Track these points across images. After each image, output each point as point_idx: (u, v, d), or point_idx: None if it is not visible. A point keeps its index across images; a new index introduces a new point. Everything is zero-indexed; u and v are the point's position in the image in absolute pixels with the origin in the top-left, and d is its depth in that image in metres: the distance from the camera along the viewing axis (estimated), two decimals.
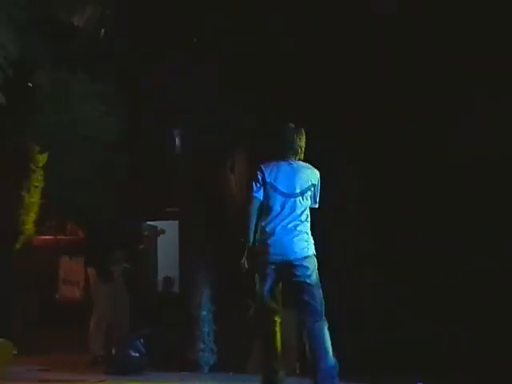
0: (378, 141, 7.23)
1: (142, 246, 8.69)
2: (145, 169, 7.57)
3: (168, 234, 9.28)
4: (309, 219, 5.74)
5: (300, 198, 5.75)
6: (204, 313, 7.52)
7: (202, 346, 7.46)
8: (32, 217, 6.24)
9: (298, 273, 5.61)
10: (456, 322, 6.83)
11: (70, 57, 5.57)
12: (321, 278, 5.62)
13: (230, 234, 8.48)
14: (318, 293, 5.55)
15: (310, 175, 5.81)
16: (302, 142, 5.86)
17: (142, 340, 7.63)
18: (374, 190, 7.25)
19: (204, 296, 7.56)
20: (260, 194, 5.69)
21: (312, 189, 5.78)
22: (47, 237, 9.01)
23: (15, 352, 5.91)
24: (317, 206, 5.82)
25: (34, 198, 6.17)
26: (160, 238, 9.42)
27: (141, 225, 8.99)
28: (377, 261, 7.32)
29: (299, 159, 5.86)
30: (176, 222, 8.87)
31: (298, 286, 5.58)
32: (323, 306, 5.53)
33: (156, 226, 9.42)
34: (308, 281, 5.57)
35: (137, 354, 7.52)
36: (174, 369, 7.49)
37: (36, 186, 6.14)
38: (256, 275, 5.68)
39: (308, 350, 5.57)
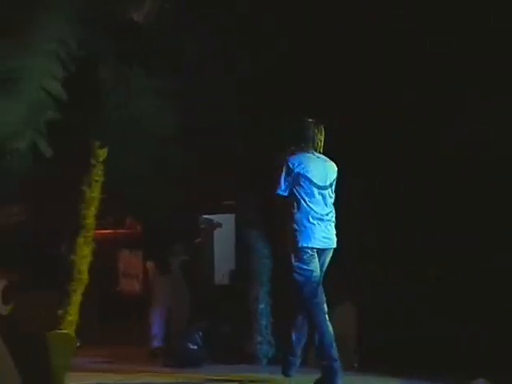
0: (381, 137, 7.24)
1: (198, 240, 8.74)
2: (201, 162, 7.61)
3: (224, 228, 9.31)
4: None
5: (330, 189, 6.14)
6: (262, 306, 7.54)
7: (259, 338, 7.49)
8: (93, 211, 6.31)
9: (327, 260, 6.16)
10: (460, 319, 6.82)
11: (129, 52, 5.61)
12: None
13: (281, 227, 8.50)
14: None
15: (334, 168, 6.20)
16: (322, 137, 6.17)
17: (200, 333, 7.69)
18: (379, 187, 7.31)
19: (261, 289, 7.57)
20: (290, 190, 6.06)
21: (335, 181, 6.16)
22: (107, 231, 9.13)
23: (78, 344, 5.99)
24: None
25: (94, 193, 6.23)
26: (216, 231, 9.46)
27: (197, 218, 9.03)
28: (380, 257, 7.39)
29: (319, 152, 6.17)
30: (232, 216, 8.91)
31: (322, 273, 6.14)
32: None
33: (212, 220, 9.46)
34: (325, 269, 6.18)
35: (195, 347, 7.59)
36: (232, 361, 7.53)
37: (96, 181, 6.21)
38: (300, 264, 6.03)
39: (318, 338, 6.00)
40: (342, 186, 6.29)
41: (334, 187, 6.20)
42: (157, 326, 8.14)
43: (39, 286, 8.03)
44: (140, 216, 8.12)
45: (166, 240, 8.13)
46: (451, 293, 7.06)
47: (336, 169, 6.23)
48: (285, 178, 6.09)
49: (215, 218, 9.54)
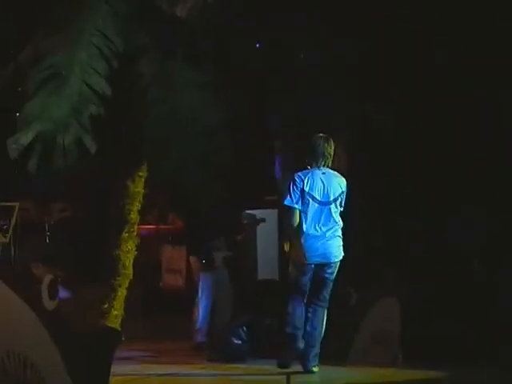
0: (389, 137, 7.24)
1: (242, 235, 8.74)
2: (244, 157, 7.60)
3: (267, 223, 9.28)
4: (340, 223, 6.59)
5: (333, 204, 6.56)
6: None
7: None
8: (136, 206, 6.34)
9: (329, 271, 6.70)
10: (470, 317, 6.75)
11: (172, 46, 5.62)
12: None
13: None
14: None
15: (341, 183, 6.62)
16: (331, 150, 6.59)
17: (244, 327, 7.67)
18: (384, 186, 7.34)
19: None
20: (299, 204, 6.54)
21: (342, 196, 6.59)
22: (150, 226, 9.18)
23: (123, 338, 6.02)
24: (342, 209, 6.62)
25: (138, 188, 6.26)
26: (259, 227, 9.44)
27: (240, 213, 9.02)
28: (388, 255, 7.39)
29: (328, 165, 6.61)
30: (275, 211, 8.87)
31: (325, 283, 6.72)
32: None
33: (255, 215, 9.44)
34: (332, 279, 6.73)
35: (239, 342, 7.57)
36: (276, 356, 7.50)
37: (140, 176, 6.24)
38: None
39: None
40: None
41: (340, 201, 6.61)
42: (201, 321, 8.14)
43: (85, 280, 8.11)
44: (183, 211, 8.12)
45: (209, 235, 8.13)
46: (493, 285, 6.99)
47: (344, 183, 6.63)
48: (294, 191, 6.55)
49: (258, 213, 9.52)
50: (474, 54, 7.12)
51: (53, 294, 5.39)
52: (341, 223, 6.62)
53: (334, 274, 6.72)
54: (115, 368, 5.74)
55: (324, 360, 7.02)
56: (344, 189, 6.62)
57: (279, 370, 6.80)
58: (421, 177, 7.71)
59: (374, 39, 7.11)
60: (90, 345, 5.57)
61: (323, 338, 7.05)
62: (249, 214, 9.44)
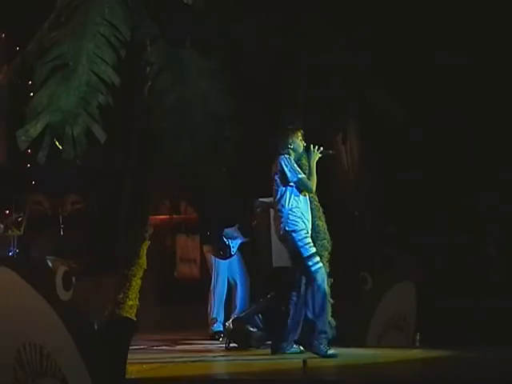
0: None
1: (255, 222, 8.73)
2: (256, 145, 7.58)
3: None
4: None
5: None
6: None
7: None
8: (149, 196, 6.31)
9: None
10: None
11: (180, 34, 5.59)
12: None
13: (340, 206, 8.44)
14: None
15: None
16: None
17: (260, 315, 7.67)
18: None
19: None
20: None
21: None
22: (163, 216, 9.17)
23: (138, 328, 6.04)
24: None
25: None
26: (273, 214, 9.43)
27: (253, 201, 9.01)
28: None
29: None
30: None
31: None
32: None
33: (269, 202, 9.43)
34: None
35: (255, 329, 7.57)
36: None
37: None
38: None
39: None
40: None
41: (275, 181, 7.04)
42: (216, 310, 8.14)
43: (98, 271, 8.14)
44: (195, 200, 8.11)
45: (222, 223, 8.12)
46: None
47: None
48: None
49: (271, 200, 9.49)
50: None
51: (67, 285, 5.40)
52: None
53: None
54: (131, 357, 5.75)
55: (341, 344, 7.04)
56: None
57: (295, 356, 6.78)
58: (434, 164, 7.65)
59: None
60: (105, 335, 5.59)
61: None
62: (261, 201, 9.44)
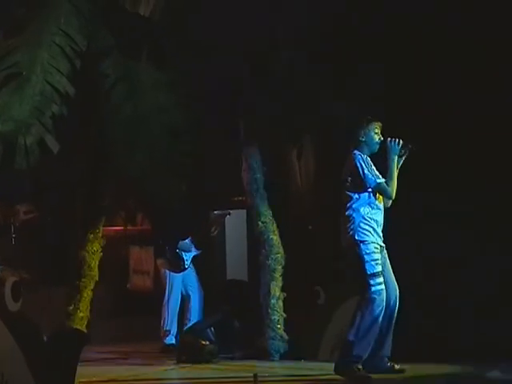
0: None
1: (208, 234, 8.73)
2: (211, 157, 7.59)
3: (236, 223, 9.28)
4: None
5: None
6: (273, 301, 7.48)
7: (272, 333, 7.43)
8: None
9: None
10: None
11: (136, 46, 5.59)
12: None
13: (295, 222, 8.47)
14: None
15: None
16: None
17: (212, 328, 7.66)
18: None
19: (273, 283, 7.52)
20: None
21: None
22: (117, 227, 9.12)
23: (89, 340, 5.98)
24: None
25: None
26: (228, 227, 9.44)
27: (208, 214, 9.01)
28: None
29: None
30: (244, 211, 8.87)
31: None
32: None
33: (223, 214, 9.45)
34: None
35: (207, 343, 7.55)
36: (245, 357, 7.50)
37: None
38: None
39: None
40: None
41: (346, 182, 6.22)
42: (169, 323, 8.11)
43: (49, 282, 8.05)
44: (148, 212, 8.08)
45: (176, 236, 8.10)
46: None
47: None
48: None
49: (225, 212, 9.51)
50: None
51: (16, 296, 5.35)
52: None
53: None
54: (81, 370, 5.69)
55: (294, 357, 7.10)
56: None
57: (245, 368, 6.77)
58: None
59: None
60: (54, 346, 5.53)
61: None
62: (217, 213, 9.45)
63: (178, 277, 8.13)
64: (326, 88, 6.88)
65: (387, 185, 6.04)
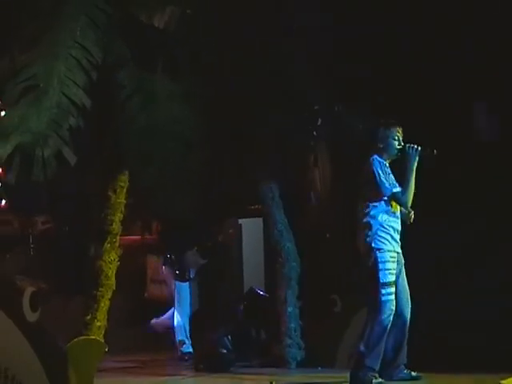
0: None
1: (219, 244, 8.76)
2: (227, 166, 7.61)
3: (253, 231, 9.31)
4: None
5: None
6: (290, 309, 7.49)
7: (288, 341, 7.44)
8: (119, 216, 6.33)
9: None
10: None
11: (151, 57, 5.64)
12: None
13: (311, 228, 8.49)
14: None
15: None
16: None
17: (229, 336, 7.67)
18: None
19: (289, 292, 7.53)
20: None
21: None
22: (134, 237, 9.16)
23: (106, 349, 6.01)
24: None
25: (120, 198, 6.26)
26: (245, 235, 9.46)
27: (221, 223, 9.05)
28: None
29: None
30: (260, 219, 8.89)
31: None
32: None
33: (240, 224, 9.47)
34: None
35: (224, 351, 7.57)
36: (262, 365, 7.51)
37: (122, 186, 6.24)
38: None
39: None
40: None
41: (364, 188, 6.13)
42: (182, 332, 8.13)
43: (67, 292, 8.10)
44: (165, 220, 8.12)
45: (183, 246, 8.14)
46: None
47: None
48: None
49: (242, 222, 9.54)
50: None
51: (34, 306, 5.39)
52: None
53: None
54: (98, 380, 5.73)
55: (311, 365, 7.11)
56: None
57: (262, 378, 6.78)
58: None
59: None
60: (73, 356, 5.57)
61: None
62: (233, 223, 9.48)
63: (185, 286, 8.16)
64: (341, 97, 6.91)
65: (403, 194, 5.89)
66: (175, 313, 8.13)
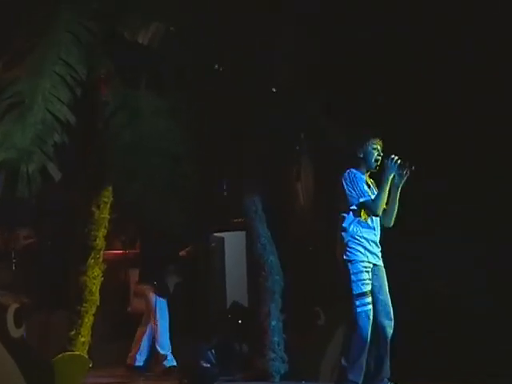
0: None
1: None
2: (210, 180, 7.64)
3: (235, 245, 9.33)
4: None
5: None
6: (273, 322, 7.50)
7: (272, 355, 7.43)
8: (102, 232, 6.35)
9: None
10: None
11: (136, 74, 5.67)
12: None
13: (294, 241, 8.53)
14: None
15: None
16: None
17: (212, 350, 7.69)
18: None
19: (272, 305, 7.55)
20: None
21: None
22: (117, 251, 9.15)
23: (91, 365, 6.01)
24: None
25: (103, 214, 6.28)
26: (227, 248, 9.49)
27: (207, 237, 9.07)
28: None
29: None
30: (243, 233, 8.91)
31: None
32: None
33: (223, 237, 9.50)
34: None
35: (208, 365, 7.57)
36: (246, 379, 7.52)
37: (105, 202, 6.25)
38: None
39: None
40: None
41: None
42: (164, 346, 8.12)
43: (50, 307, 8.07)
44: (149, 235, 8.12)
45: (163, 260, 8.17)
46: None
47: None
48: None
49: (225, 235, 9.57)
50: None
51: (18, 322, 5.38)
52: None
53: None
54: None
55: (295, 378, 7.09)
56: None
57: None
58: None
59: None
60: (57, 372, 5.57)
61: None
62: (215, 236, 9.50)
63: (164, 302, 8.17)
64: (323, 109, 6.95)
65: (373, 202, 5.90)
66: (157, 327, 8.11)
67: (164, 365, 8.12)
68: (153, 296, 8.15)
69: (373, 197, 5.94)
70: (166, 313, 8.14)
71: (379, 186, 5.96)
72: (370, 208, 5.91)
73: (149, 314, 8.19)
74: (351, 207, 5.94)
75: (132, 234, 8.69)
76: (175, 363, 8.08)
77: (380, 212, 5.94)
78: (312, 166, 8.51)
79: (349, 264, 5.93)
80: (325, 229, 7.87)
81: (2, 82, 5.51)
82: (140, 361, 8.15)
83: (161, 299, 8.14)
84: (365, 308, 5.88)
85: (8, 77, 5.48)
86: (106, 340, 8.25)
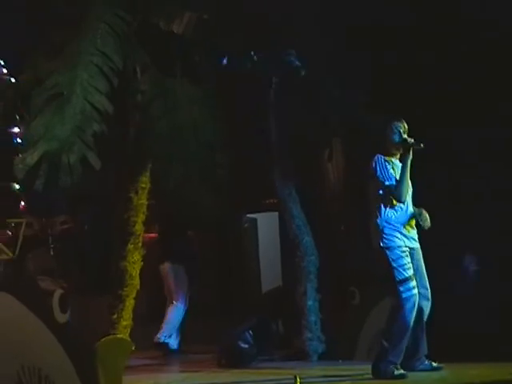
0: None
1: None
2: (243, 162, 7.70)
3: (268, 226, 9.40)
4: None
5: None
6: (310, 302, 7.57)
7: (309, 335, 7.50)
8: (141, 217, 6.46)
9: None
10: None
11: (172, 63, 5.74)
12: None
13: (327, 222, 8.57)
14: None
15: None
16: None
17: (250, 331, 7.77)
18: None
19: (309, 285, 7.62)
20: None
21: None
22: (153, 234, 9.27)
23: (133, 347, 6.13)
24: None
25: (141, 200, 6.38)
26: (261, 230, 9.56)
27: (241, 218, 9.14)
28: None
29: None
30: (276, 214, 8.97)
31: None
32: None
33: (256, 219, 9.57)
34: None
35: (246, 346, 7.65)
36: (283, 358, 7.61)
37: (143, 188, 6.36)
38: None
39: None
40: None
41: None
42: (176, 324, 8.27)
43: (93, 292, 8.23)
44: (186, 220, 8.21)
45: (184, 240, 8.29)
46: None
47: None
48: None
49: (258, 216, 9.64)
50: None
51: (64, 308, 5.50)
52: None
53: None
54: (127, 378, 5.84)
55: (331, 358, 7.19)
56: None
57: (285, 372, 6.87)
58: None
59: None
60: (100, 355, 5.68)
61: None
62: (249, 217, 9.58)
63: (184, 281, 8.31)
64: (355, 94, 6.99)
65: (396, 188, 5.89)
66: (173, 309, 8.25)
67: (159, 338, 8.22)
68: (173, 276, 8.28)
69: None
70: (184, 293, 8.26)
71: (401, 171, 5.90)
72: (393, 193, 5.90)
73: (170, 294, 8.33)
74: (380, 192, 5.95)
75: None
76: (176, 347, 8.17)
77: (405, 198, 5.90)
78: (344, 148, 8.54)
79: (387, 251, 5.92)
80: (358, 209, 7.93)
81: (40, 75, 5.60)
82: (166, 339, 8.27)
83: (181, 280, 8.27)
84: (410, 293, 5.88)
85: (46, 69, 5.56)
86: (145, 322, 8.40)
